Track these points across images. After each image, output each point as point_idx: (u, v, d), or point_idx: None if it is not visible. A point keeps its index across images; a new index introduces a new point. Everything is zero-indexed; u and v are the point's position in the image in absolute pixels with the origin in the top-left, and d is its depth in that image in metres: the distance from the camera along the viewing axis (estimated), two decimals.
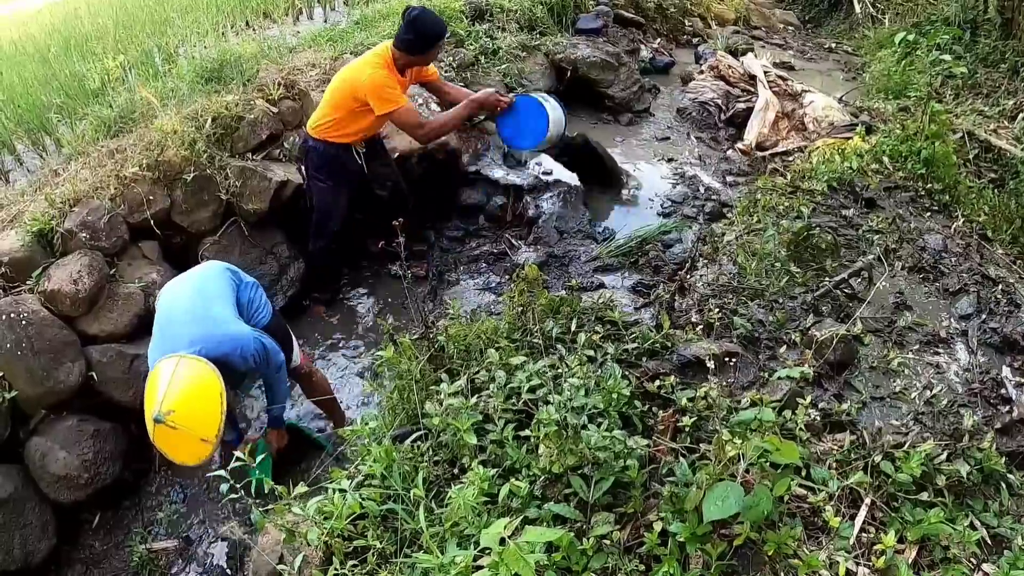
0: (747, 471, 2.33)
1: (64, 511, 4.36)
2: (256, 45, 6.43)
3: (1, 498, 4.05)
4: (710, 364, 2.96)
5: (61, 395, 4.29)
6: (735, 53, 9.08)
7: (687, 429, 2.73)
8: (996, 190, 6.11)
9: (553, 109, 5.21)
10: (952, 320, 4.03)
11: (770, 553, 2.33)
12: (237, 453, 2.74)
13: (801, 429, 2.66)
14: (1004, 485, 2.77)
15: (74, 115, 5.69)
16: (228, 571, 4.16)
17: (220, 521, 4.35)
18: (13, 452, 4.27)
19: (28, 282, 4.41)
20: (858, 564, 2.40)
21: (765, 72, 8.15)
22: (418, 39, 4.67)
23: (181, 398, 3.21)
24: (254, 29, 7.63)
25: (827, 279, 4.05)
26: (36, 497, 4.24)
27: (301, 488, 2.66)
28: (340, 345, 5.35)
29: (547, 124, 5.15)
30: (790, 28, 12.29)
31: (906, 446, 2.83)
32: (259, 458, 3.03)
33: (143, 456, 4.63)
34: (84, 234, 4.53)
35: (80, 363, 4.36)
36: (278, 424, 4.14)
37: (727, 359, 3.18)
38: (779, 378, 2.90)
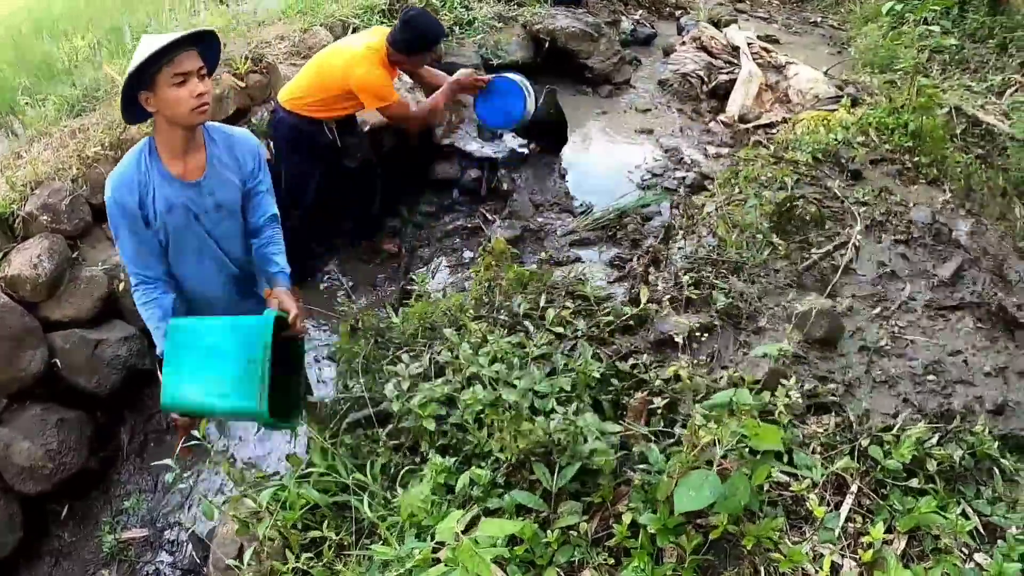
0: (724, 458, 2.17)
1: (31, 503, 4.22)
2: (224, 19, 6.25)
3: None
4: (679, 340, 2.82)
5: (23, 383, 4.16)
6: (718, 24, 8.91)
7: (660, 412, 2.58)
8: (984, 166, 5.98)
9: (527, 91, 5.11)
10: (942, 293, 3.89)
11: (749, 547, 2.18)
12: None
13: (782, 412, 2.47)
14: (997, 470, 2.59)
15: (39, 96, 5.52)
16: (197, 560, 4.06)
17: (189, 509, 4.24)
18: None
19: None
20: (844, 557, 2.24)
21: (749, 44, 8.00)
22: (415, 40, 4.61)
23: None
24: (227, 5, 7.42)
25: (812, 251, 3.92)
26: (0, 489, 4.10)
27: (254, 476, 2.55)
28: (308, 325, 5.16)
29: (524, 105, 5.07)
30: (775, 2, 12.10)
31: (895, 429, 2.66)
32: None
33: (110, 444, 4.51)
34: (45, 217, 4.37)
35: (43, 349, 4.22)
36: (287, 279, 3.16)
37: (703, 334, 3.05)
38: (757, 355, 2.76)
